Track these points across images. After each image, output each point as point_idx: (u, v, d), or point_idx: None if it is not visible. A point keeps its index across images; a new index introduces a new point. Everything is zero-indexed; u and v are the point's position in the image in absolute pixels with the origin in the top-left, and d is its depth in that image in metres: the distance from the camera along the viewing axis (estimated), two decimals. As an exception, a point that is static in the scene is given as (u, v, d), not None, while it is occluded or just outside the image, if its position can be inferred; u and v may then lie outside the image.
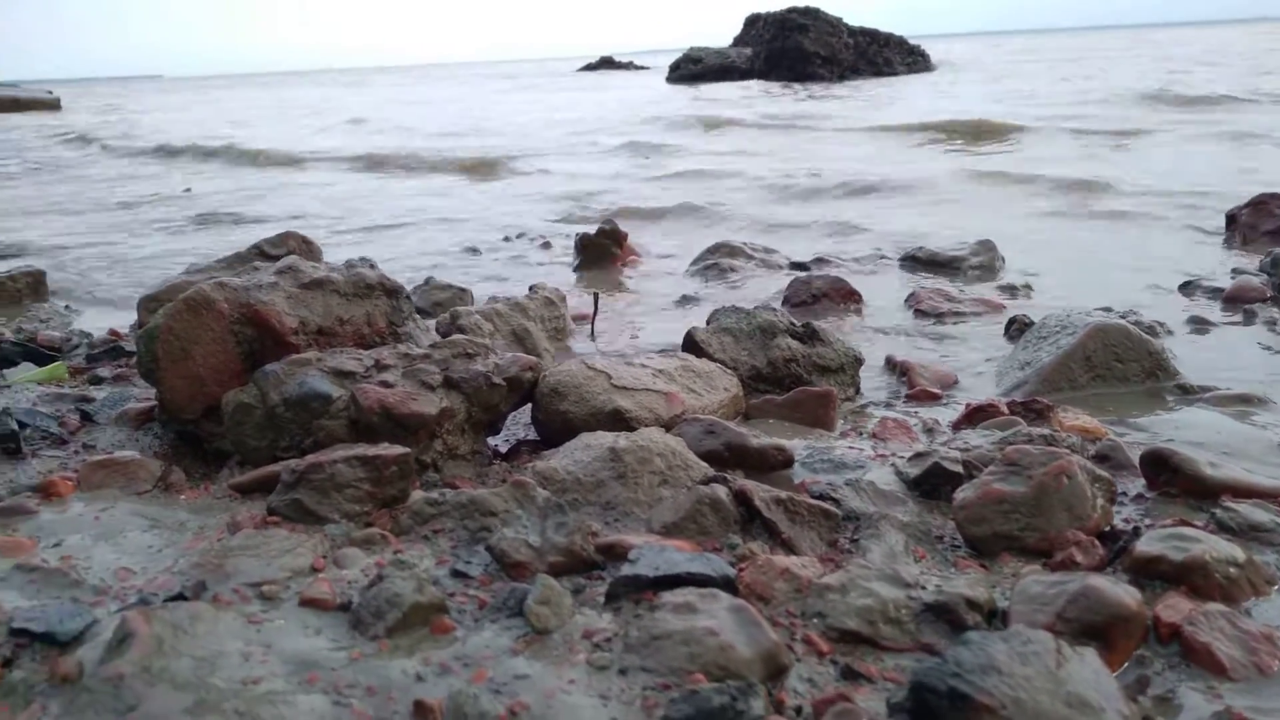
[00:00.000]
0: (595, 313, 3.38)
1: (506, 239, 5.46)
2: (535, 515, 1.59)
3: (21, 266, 4.37)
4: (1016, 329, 3.11)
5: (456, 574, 1.51)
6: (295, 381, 2.03)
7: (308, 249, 3.43)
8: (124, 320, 3.62)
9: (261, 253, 3.31)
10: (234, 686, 1.18)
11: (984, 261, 4.16)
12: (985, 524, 1.66)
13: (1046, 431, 2.05)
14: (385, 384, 2.04)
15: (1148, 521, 1.75)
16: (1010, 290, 3.76)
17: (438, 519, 1.69)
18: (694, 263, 4.58)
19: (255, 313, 2.17)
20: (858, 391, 2.65)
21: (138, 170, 10.47)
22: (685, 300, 3.87)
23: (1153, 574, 1.51)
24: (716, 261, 4.47)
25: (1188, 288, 3.68)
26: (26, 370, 2.79)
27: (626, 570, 1.41)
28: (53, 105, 31.17)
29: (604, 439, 1.91)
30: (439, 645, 1.32)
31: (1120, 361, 2.66)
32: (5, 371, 2.78)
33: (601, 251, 4.72)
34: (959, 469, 1.87)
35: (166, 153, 12.10)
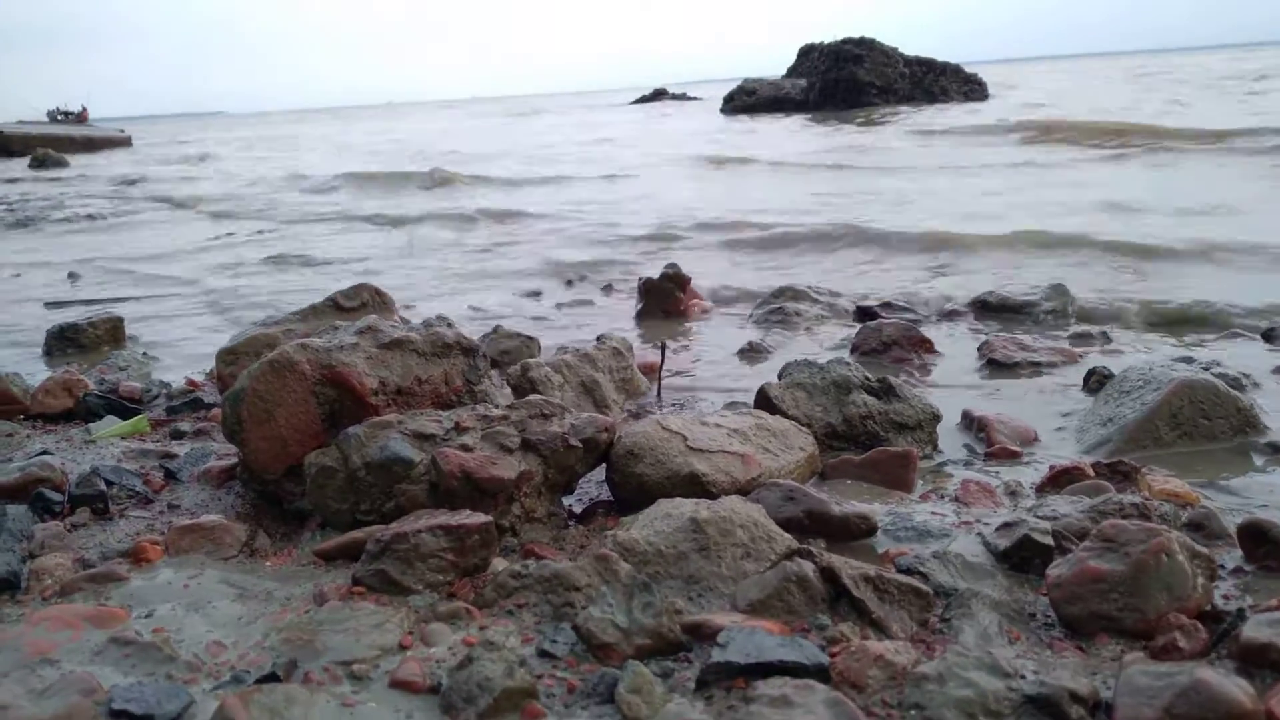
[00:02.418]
0: (662, 363, 3.37)
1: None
2: (620, 592, 1.58)
3: (101, 313, 4.49)
4: (1096, 381, 3.03)
5: (543, 654, 1.50)
6: (377, 445, 2.04)
7: (380, 300, 3.47)
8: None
9: (336, 305, 3.36)
10: (331, 777, 1.18)
11: (1056, 307, 4.09)
12: (1081, 603, 1.62)
13: (1138, 499, 1.99)
14: (465, 447, 2.05)
15: (1249, 601, 1.69)
16: (1085, 338, 3.68)
17: (520, 592, 1.69)
18: (758, 306, 4.56)
19: (336, 374, 2.19)
20: (935, 449, 2.61)
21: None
22: (751, 348, 3.84)
23: (1262, 663, 1.45)
24: (781, 305, 4.44)
25: (1273, 334, 3.56)
26: (110, 424, 2.85)
27: (717, 656, 1.39)
28: (124, 143, 32.21)
29: (684, 507, 1.89)
30: (530, 733, 1.31)
31: (1207, 419, 2.59)
32: (90, 426, 2.85)
33: (664, 295, 4.72)
34: (1049, 541, 1.82)
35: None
